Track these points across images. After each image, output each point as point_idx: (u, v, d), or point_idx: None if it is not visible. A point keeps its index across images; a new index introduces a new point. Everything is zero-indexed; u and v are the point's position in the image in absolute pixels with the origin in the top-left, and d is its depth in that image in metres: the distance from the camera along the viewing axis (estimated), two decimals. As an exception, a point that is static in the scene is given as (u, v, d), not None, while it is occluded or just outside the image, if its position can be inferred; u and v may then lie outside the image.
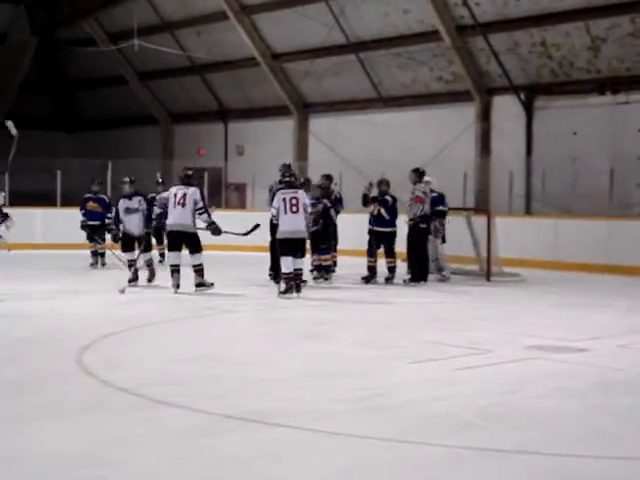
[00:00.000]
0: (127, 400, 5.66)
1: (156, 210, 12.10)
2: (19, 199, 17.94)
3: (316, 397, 5.76)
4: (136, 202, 12.12)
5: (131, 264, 11.79)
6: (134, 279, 11.71)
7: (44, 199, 20.10)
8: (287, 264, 11.15)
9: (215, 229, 11.31)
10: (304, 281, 11.71)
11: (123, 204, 12.11)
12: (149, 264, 11.95)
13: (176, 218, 11.27)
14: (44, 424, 5.04)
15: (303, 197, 11.46)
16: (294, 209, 11.25)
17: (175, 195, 11.32)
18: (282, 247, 11.23)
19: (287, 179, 11.56)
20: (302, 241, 11.43)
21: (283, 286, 11.18)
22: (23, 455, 4.44)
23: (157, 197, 12.39)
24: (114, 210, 12.37)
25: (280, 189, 11.51)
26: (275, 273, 12.07)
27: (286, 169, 11.83)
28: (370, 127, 21.13)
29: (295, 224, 11.26)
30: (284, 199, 11.28)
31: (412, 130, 20.10)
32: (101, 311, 9.96)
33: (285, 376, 6.44)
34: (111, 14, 24.77)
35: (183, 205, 11.22)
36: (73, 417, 5.22)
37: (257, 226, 11.63)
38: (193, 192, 11.29)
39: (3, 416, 5.21)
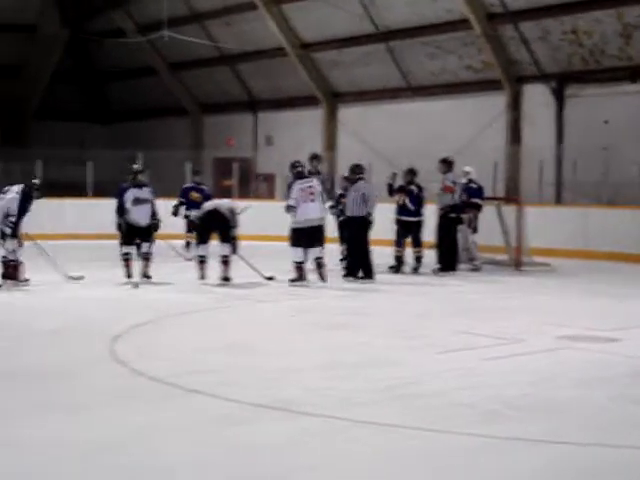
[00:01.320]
0: (158, 389, 5.72)
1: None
2: (50, 189, 18.09)
3: (345, 386, 5.78)
4: (147, 192, 11.55)
5: (146, 256, 11.39)
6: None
7: (75, 189, 20.26)
8: (299, 253, 11.28)
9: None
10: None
11: (132, 194, 11.42)
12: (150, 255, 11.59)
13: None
14: (76, 412, 5.11)
15: (318, 186, 11.59)
16: (312, 197, 11.39)
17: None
18: (300, 236, 11.33)
19: (297, 170, 11.69)
20: (321, 228, 11.54)
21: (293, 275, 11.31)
22: (56, 442, 4.50)
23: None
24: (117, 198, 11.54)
25: (295, 180, 11.65)
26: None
27: (296, 162, 11.89)
28: (399, 117, 21.06)
29: (317, 212, 11.41)
30: (302, 189, 11.40)
31: (441, 119, 20.01)
32: (132, 301, 10.05)
33: (315, 365, 6.47)
34: (141, 5, 24.87)
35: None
36: (105, 405, 5.28)
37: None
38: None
39: (36, 404, 5.28)
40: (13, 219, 10.74)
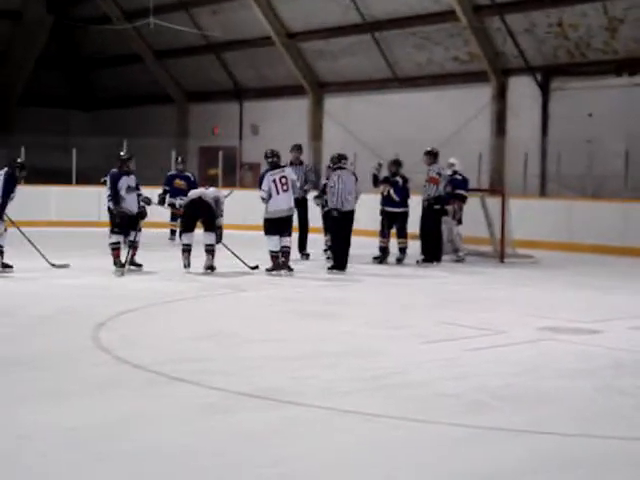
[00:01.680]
0: (142, 376, 5.72)
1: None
2: (34, 176, 18.01)
3: (329, 376, 5.80)
4: (134, 180, 11.50)
5: (134, 244, 11.32)
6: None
7: (59, 177, 20.18)
8: (275, 242, 11.35)
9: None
10: (307, 255, 12.43)
11: (126, 182, 11.34)
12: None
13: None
14: (61, 400, 5.10)
15: (290, 174, 11.66)
16: (285, 188, 11.42)
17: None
18: (271, 226, 11.41)
19: (270, 160, 11.69)
20: (290, 219, 11.67)
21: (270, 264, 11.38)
22: (41, 431, 4.50)
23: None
24: (109, 186, 11.41)
25: (267, 171, 11.67)
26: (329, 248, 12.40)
27: (269, 152, 11.85)
28: (385, 107, 21.07)
29: (286, 203, 11.46)
30: (274, 180, 11.43)
31: (427, 110, 20.03)
32: (116, 289, 10.03)
33: (299, 354, 6.48)
34: (127, -8, 24.75)
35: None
36: (89, 393, 5.28)
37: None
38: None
39: (20, 392, 5.27)
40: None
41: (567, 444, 4.49)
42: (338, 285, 10.80)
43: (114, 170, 11.50)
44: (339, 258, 11.78)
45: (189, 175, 15.38)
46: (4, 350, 6.48)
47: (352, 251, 11.92)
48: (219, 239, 11.39)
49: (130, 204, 11.33)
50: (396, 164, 13.01)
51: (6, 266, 10.74)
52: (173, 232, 15.08)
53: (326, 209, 12.46)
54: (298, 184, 12.03)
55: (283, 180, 11.48)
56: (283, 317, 8.28)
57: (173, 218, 15.03)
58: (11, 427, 4.56)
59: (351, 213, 11.89)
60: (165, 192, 14.87)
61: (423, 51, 20.20)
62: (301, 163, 13.21)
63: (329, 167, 12.67)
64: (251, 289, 10.20)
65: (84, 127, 27.46)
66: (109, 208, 11.71)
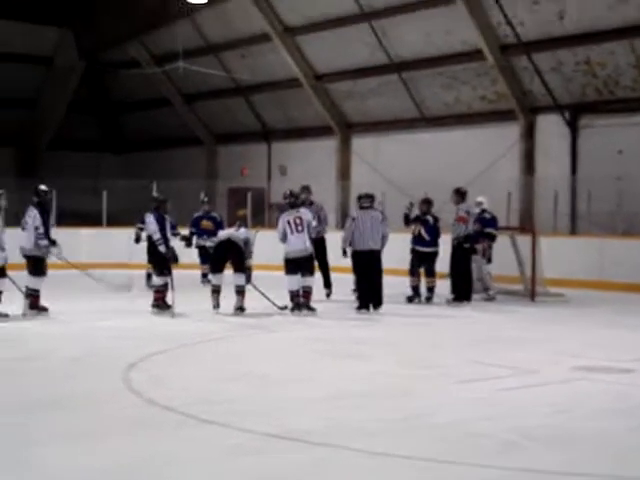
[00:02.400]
0: (172, 418, 5.71)
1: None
2: (65, 219, 18.22)
3: (359, 416, 5.75)
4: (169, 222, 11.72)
5: (164, 289, 11.36)
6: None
7: (90, 219, 20.36)
8: (293, 282, 11.42)
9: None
10: (329, 294, 12.42)
11: (169, 223, 11.63)
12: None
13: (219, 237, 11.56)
14: (91, 442, 5.10)
15: (306, 214, 11.68)
16: (299, 229, 11.45)
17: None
18: (290, 266, 11.48)
19: (287, 201, 11.80)
20: (310, 259, 11.60)
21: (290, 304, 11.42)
22: (71, 473, 4.49)
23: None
24: (156, 229, 11.32)
25: (283, 212, 11.77)
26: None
27: (287, 192, 11.98)
28: (413, 146, 21.12)
29: (302, 243, 11.46)
30: (288, 221, 11.51)
31: (455, 149, 20.05)
32: (146, 330, 10.05)
33: (329, 395, 6.43)
34: (156, 37, 25.08)
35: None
36: (119, 435, 5.27)
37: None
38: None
39: (50, 433, 5.27)
40: (42, 236, 10.71)
41: (603, 486, 4.42)
42: (368, 325, 10.75)
43: (155, 213, 11.52)
44: (362, 298, 11.73)
45: (216, 216, 15.40)
46: (36, 392, 6.50)
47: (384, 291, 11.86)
48: (248, 280, 11.42)
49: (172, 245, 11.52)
50: (427, 203, 13.01)
51: (42, 309, 10.82)
52: (205, 275, 15.02)
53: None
54: (314, 225, 11.97)
55: (297, 221, 11.51)
56: (313, 357, 8.25)
57: (203, 261, 15.01)
58: (42, 468, 4.56)
59: (371, 253, 11.79)
60: (192, 234, 14.90)
61: (450, 90, 20.26)
62: (311, 203, 13.17)
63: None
64: (280, 329, 10.19)
65: (114, 170, 27.76)
66: (154, 251, 11.52)
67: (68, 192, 19.54)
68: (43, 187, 11.15)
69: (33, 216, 10.85)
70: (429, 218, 12.86)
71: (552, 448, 5.07)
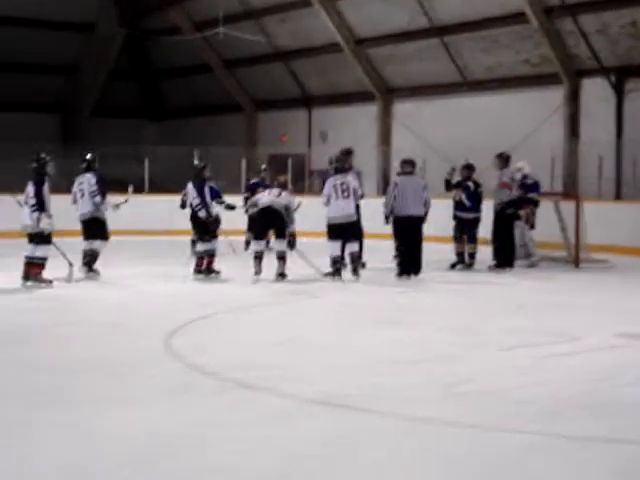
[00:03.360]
0: (213, 384, 5.73)
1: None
2: (107, 185, 18.28)
3: (401, 383, 5.74)
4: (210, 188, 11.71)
5: (212, 252, 11.46)
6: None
7: (133, 185, 20.41)
8: (335, 248, 11.36)
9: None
10: (363, 264, 11.98)
11: (207, 190, 11.56)
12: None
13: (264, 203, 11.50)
14: (132, 406, 5.14)
15: (352, 181, 11.56)
16: (345, 194, 11.37)
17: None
18: (332, 231, 11.42)
19: (334, 166, 11.74)
20: (353, 224, 11.53)
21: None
22: (111, 437, 4.53)
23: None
24: (196, 195, 11.36)
25: (330, 176, 11.67)
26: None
27: (337, 156, 11.88)
28: (454, 112, 20.89)
29: (346, 209, 11.38)
30: (334, 186, 11.41)
31: (498, 114, 19.79)
32: (188, 295, 10.12)
33: (370, 361, 6.43)
34: (197, 3, 25.01)
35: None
36: (160, 400, 5.31)
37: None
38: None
39: (92, 398, 5.32)
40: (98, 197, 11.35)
41: (649, 454, 4.36)
42: (410, 292, 10.71)
43: (195, 180, 11.57)
44: (403, 264, 11.66)
45: (269, 184, 15.27)
46: (79, 356, 6.57)
47: (424, 257, 11.78)
48: (292, 246, 11.42)
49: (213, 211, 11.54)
50: (468, 169, 12.86)
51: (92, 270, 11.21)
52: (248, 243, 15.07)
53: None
54: (359, 192, 11.83)
55: (344, 186, 11.44)
56: (355, 323, 8.24)
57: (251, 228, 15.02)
58: (82, 433, 4.60)
59: (413, 219, 11.71)
60: (246, 199, 14.76)
61: (492, 54, 19.96)
62: (351, 167, 12.95)
63: (398, 173, 12.54)
64: (322, 296, 10.18)
65: (155, 137, 27.86)
66: (197, 217, 11.54)
67: (110, 159, 19.66)
68: (88, 155, 11.73)
69: (87, 181, 11.45)
70: (470, 184, 12.73)
71: (595, 415, 5.01)
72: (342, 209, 11.39)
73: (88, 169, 11.65)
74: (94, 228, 11.47)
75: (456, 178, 12.83)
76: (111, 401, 5.24)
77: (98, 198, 11.43)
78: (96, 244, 11.38)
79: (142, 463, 4.14)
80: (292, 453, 4.29)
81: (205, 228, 11.44)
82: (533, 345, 7.08)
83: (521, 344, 7.12)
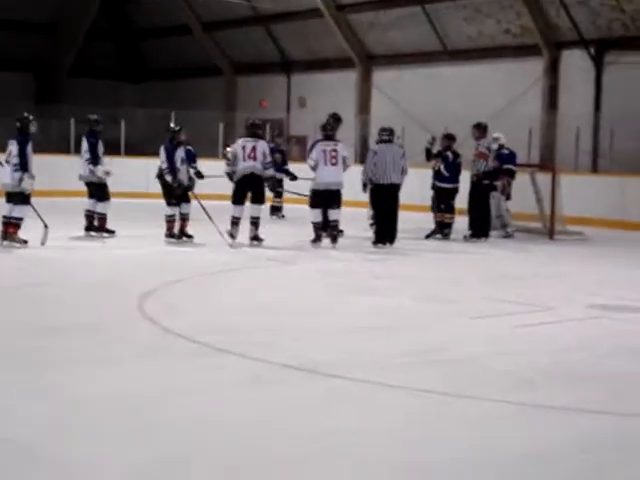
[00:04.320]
0: (187, 347, 5.72)
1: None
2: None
3: (375, 350, 5.76)
4: (183, 152, 11.60)
5: (185, 216, 11.44)
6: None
7: (108, 148, 20.25)
8: (316, 214, 11.43)
9: (273, 184, 11.82)
10: (340, 231, 11.94)
11: (179, 154, 11.42)
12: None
13: (246, 169, 11.34)
14: (106, 368, 5.12)
15: (342, 150, 11.54)
16: (333, 161, 11.35)
17: (244, 148, 11.33)
18: (316, 198, 11.44)
19: (325, 133, 11.67)
20: (338, 192, 11.52)
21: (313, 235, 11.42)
22: (86, 397, 4.52)
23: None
24: (165, 159, 11.31)
25: (319, 141, 11.63)
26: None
27: (328, 121, 11.81)
28: (435, 80, 20.85)
29: (334, 176, 11.37)
30: (324, 151, 11.36)
31: (477, 84, 19.78)
32: (163, 259, 10.09)
33: (344, 328, 6.44)
34: (176, -37, 24.73)
35: (254, 159, 11.27)
36: (134, 362, 5.30)
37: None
38: (262, 145, 11.33)
39: (66, 360, 5.30)
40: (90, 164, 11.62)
41: (617, 423, 4.40)
42: (385, 260, 10.73)
43: (167, 143, 11.48)
44: (379, 233, 11.68)
45: (285, 149, 15.34)
46: (52, 318, 6.54)
47: (400, 226, 11.81)
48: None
49: (182, 176, 11.41)
50: (448, 139, 12.84)
51: (108, 231, 11.71)
52: (275, 208, 15.13)
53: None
54: (348, 162, 11.81)
55: (333, 153, 11.41)
56: (329, 291, 8.25)
57: (277, 194, 15.03)
58: (59, 393, 4.59)
59: (392, 187, 11.71)
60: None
61: (474, 23, 19.91)
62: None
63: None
64: (299, 262, 10.18)
65: (133, 99, 27.57)
66: (164, 181, 11.56)
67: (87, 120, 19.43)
68: (93, 117, 12.17)
69: (82, 146, 11.95)
70: (449, 154, 12.71)
71: (567, 385, 5.06)
72: (332, 175, 11.36)
73: (89, 132, 12.06)
74: (92, 190, 11.84)
75: (436, 148, 12.82)
76: (86, 363, 5.22)
77: (91, 166, 11.74)
78: (98, 206, 11.75)
79: (118, 423, 4.14)
80: (266, 416, 4.30)
81: (170, 192, 11.38)
82: (507, 314, 7.12)
83: (495, 313, 7.17)
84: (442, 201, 12.77)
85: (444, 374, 5.22)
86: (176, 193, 11.34)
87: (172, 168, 11.31)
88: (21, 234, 10.37)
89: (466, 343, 6.06)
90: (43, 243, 10.53)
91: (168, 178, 11.37)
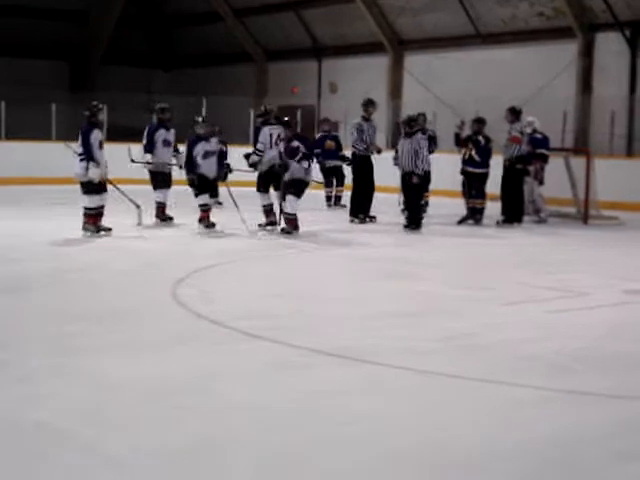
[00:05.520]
0: (219, 333, 5.74)
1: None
2: (116, 134, 18.24)
3: (406, 335, 5.73)
4: (214, 144, 11.30)
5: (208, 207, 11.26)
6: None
7: (140, 135, 20.36)
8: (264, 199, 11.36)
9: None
10: (373, 217, 12.25)
11: (203, 147, 11.12)
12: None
13: (273, 159, 11.26)
14: (140, 354, 5.15)
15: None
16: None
17: (271, 135, 11.28)
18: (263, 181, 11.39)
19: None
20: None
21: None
22: (118, 383, 4.55)
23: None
24: (184, 152, 11.31)
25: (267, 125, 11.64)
26: (359, 213, 12.31)
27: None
28: (467, 65, 20.67)
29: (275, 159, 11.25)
30: (271, 134, 11.32)
31: (510, 68, 19.58)
32: (195, 245, 10.12)
33: (375, 313, 6.42)
34: (207, -50, 24.71)
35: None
36: (166, 348, 5.32)
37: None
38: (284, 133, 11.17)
39: (100, 345, 5.34)
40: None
41: (652, 410, 4.36)
42: (416, 245, 10.69)
43: (192, 136, 11.35)
44: (411, 217, 11.66)
45: (337, 135, 15.12)
46: (87, 303, 6.59)
47: (431, 211, 11.78)
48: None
49: (206, 169, 11.18)
50: (479, 122, 12.71)
51: (168, 218, 11.83)
52: (330, 198, 14.84)
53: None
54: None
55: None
56: (361, 276, 8.22)
57: (328, 183, 14.76)
58: (94, 378, 4.62)
59: (409, 175, 11.73)
60: (316, 155, 14.50)
61: (507, 6, 19.70)
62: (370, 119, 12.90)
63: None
64: (330, 248, 10.16)
65: (164, 86, 27.65)
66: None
67: (119, 107, 19.54)
68: (163, 105, 12.26)
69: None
70: (480, 138, 12.59)
71: (602, 371, 5.01)
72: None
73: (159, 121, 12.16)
74: (151, 179, 12.09)
75: (466, 132, 12.72)
76: (121, 348, 5.25)
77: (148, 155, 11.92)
78: (155, 194, 11.91)
79: (152, 408, 4.16)
80: (299, 401, 4.30)
81: (191, 185, 11.30)
82: (540, 300, 7.06)
83: (528, 299, 7.11)
84: (473, 186, 12.66)
85: (476, 359, 5.18)
86: (190, 184, 11.25)
87: (188, 162, 11.23)
88: (108, 221, 10.48)
89: (499, 329, 6.02)
90: (139, 223, 10.87)
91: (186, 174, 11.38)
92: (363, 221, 12.30)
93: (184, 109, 20.04)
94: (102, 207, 10.44)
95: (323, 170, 14.57)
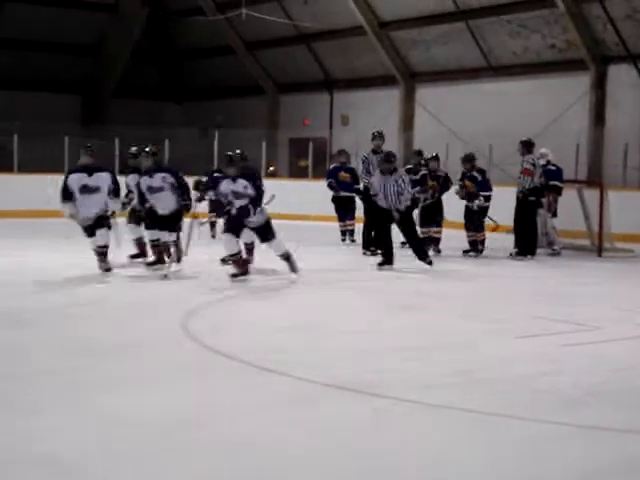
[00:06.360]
0: (229, 366, 5.68)
1: None
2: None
3: (419, 369, 5.65)
4: (159, 179, 10.16)
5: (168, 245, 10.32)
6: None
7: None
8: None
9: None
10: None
11: (144, 183, 10.18)
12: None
13: None
14: (147, 387, 5.09)
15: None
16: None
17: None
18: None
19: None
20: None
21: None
22: (125, 417, 4.49)
23: None
24: (135, 188, 10.50)
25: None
26: (371, 246, 12.29)
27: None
28: (479, 97, 20.70)
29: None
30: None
31: (523, 100, 19.58)
32: (207, 277, 10.05)
33: (387, 347, 6.34)
34: (219, -16, 24.92)
35: None
36: (175, 381, 5.25)
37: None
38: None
39: (107, 377, 5.28)
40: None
41: (672, 447, 4.25)
42: (428, 277, 10.60)
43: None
44: (420, 249, 11.40)
45: (353, 167, 14.94)
46: (96, 337, 6.53)
47: (442, 244, 11.72)
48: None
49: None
50: (469, 161, 12.63)
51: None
52: (344, 232, 14.44)
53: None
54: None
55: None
56: (373, 309, 8.15)
57: (341, 216, 14.39)
58: (104, 413, 4.56)
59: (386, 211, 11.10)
60: (331, 186, 14.32)
61: (519, 39, 19.74)
62: (381, 151, 12.80)
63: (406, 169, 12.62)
64: (335, 281, 10.09)
65: (176, 118, 27.79)
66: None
67: (131, 140, 19.60)
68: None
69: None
70: (475, 174, 12.55)
71: (617, 406, 4.92)
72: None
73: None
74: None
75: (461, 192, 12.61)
76: (129, 382, 5.20)
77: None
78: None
79: (159, 444, 4.09)
80: (312, 437, 4.22)
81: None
82: (553, 333, 6.97)
83: (543, 332, 7.02)
84: (473, 220, 12.59)
85: (491, 394, 5.10)
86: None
87: (139, 197, 10.44)
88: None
89: (513, 362, 5.93)
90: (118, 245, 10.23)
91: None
92: (375, 253, 12.20)
93: (195, 141, 20.17)
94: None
95: (335, 202, 14.45)
